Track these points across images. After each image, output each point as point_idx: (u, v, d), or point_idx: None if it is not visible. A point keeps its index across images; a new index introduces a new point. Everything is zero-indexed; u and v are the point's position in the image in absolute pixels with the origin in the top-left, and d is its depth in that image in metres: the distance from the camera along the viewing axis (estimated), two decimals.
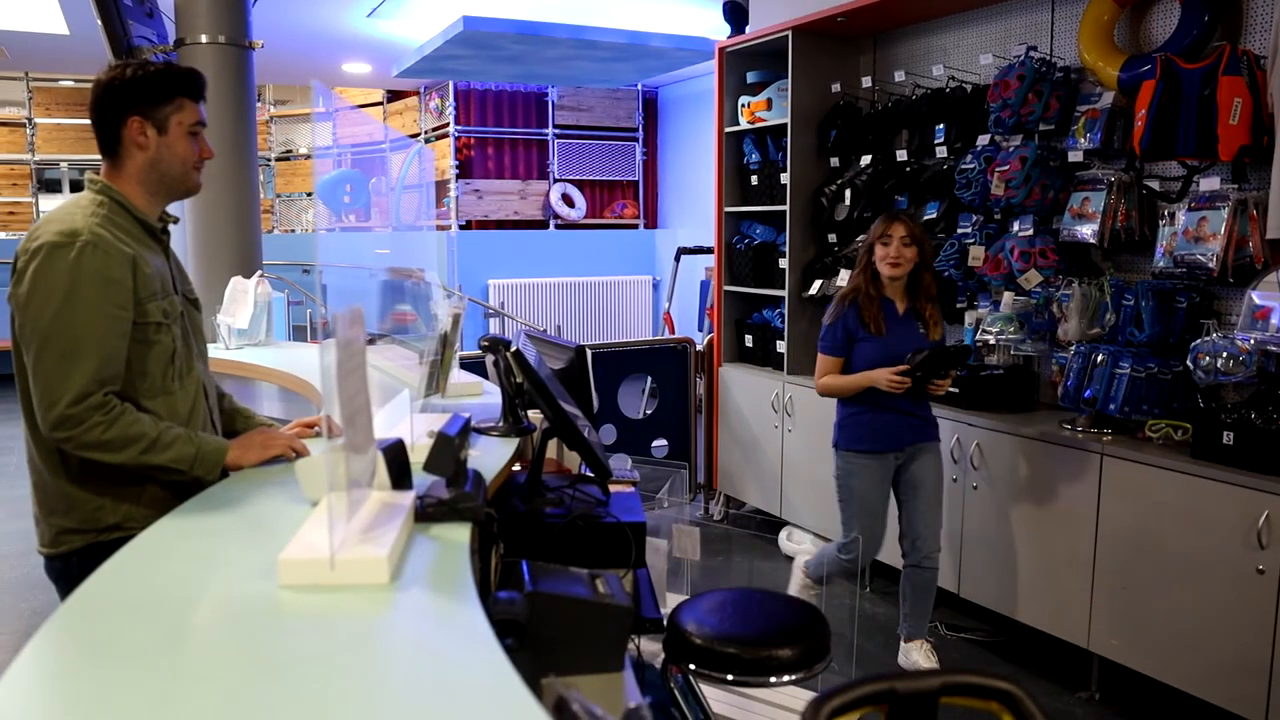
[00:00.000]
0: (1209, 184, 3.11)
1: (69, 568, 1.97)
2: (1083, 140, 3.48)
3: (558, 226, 10.17)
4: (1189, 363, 3.02)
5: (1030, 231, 3.63)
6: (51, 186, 10.74)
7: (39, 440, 1.93)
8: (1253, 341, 2.91)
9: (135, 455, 1.85)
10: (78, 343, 1.80)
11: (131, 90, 1.93)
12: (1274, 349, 2.90)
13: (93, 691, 1.10)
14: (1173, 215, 3.20)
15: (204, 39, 4.74)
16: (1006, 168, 3.61)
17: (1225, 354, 2.92)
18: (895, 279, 3.23)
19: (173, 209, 2.14)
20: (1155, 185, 3.35)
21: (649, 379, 5.68)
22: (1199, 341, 3.01)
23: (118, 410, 1.84)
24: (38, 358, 1.82)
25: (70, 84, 10.49)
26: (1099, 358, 3.29)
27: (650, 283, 10.25)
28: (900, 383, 3.13)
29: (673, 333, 7.75)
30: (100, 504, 1.94)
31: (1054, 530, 3.35)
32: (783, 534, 4.76)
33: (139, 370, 1.92)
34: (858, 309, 3.27)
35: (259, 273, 4.26)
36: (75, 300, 1.81)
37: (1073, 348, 3.42)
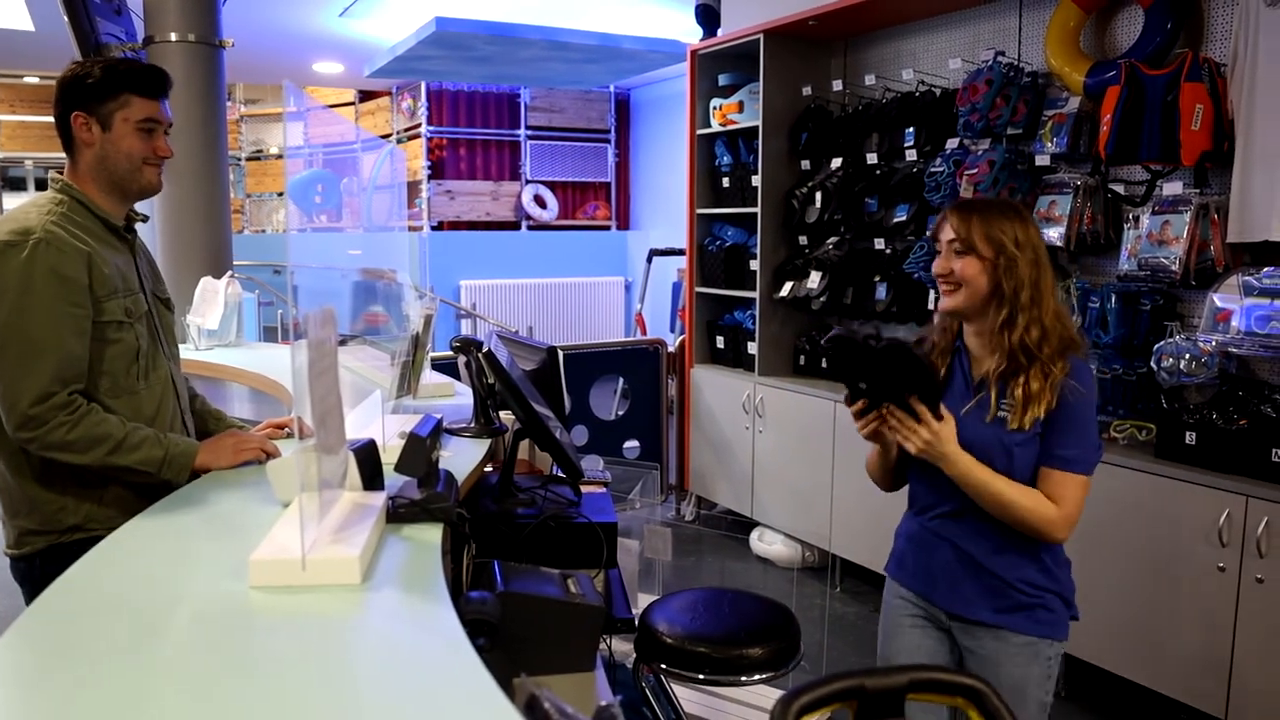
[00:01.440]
0: (1172, 188, 3.17)
1: (32, 569, 1.96)
2: (1050, 144, 3.53)
3: (530, 228, 10.15)
4: (1153, 364, 3.07)
5: None
6: (16, 184, 10.59)
7: (2, 444, 1.91)
8: (1214, 343, 2.96)
9: (101, 456, 1.83)
10: (35, 342, 1.79)
11: (75, 87, 1.93)
12: (1235, 351, 2.96)
13: (62, 693, 1.09)
14: (1137, 219, 3.25)
15: (173, 37, 4.69)
16: (975, 171, 3.65)
17: (1188, 355, 2.97)
18: (955, 314, 1.95)
19: (142, 208, 2.13)
20: (1120, 189, 3.40)
21: (621, 380, 5.69)
22: (1162, 343, 3.06)
23: (83, 410, 1.83)
24: None
25: (35, 81, 10.35)
26: None
27: (622, 284, 10.26)
28: (864, 424, 1.87)
29: (644, 334, 7.76)
30: (62, 505, 1.93)
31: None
32: (754, 534, 4.78)
33: (99, 369, 1.91)
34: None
35: (229, 273, 4.23)
36: (29, 299, 1.80)
37: None
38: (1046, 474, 1.85)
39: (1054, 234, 3.48)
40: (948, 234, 1.91)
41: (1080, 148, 3.47)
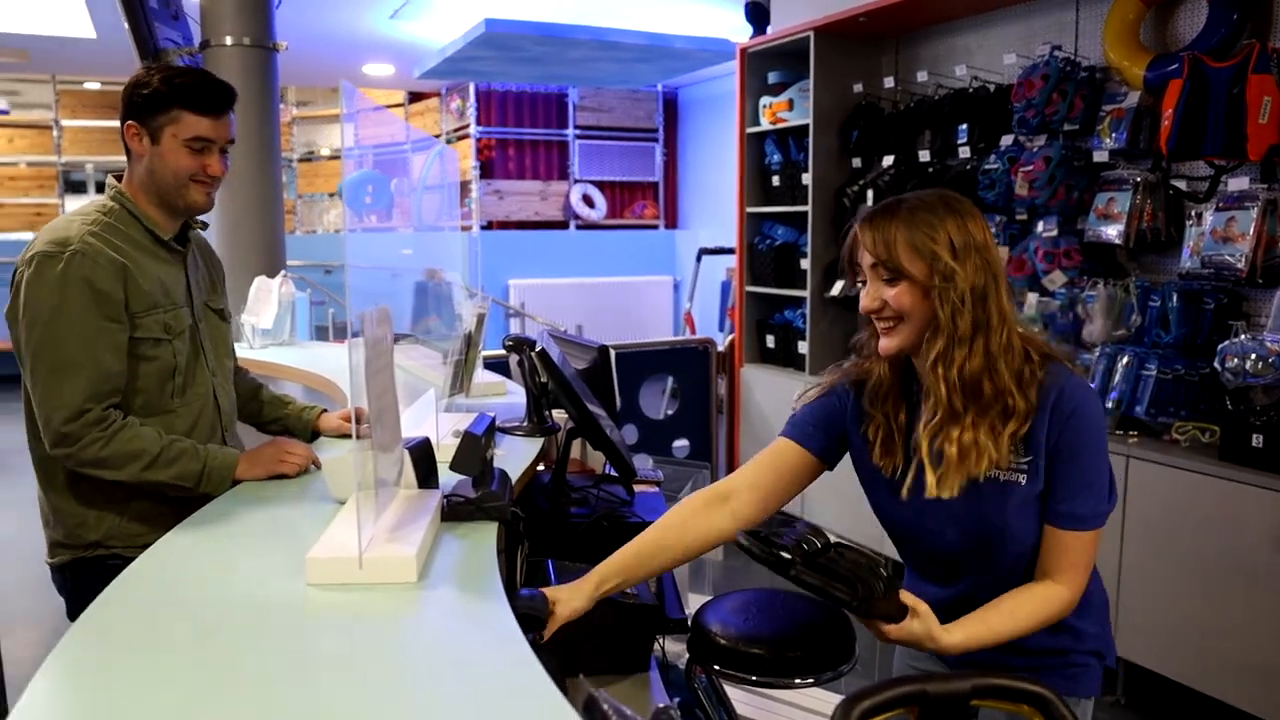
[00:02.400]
0: (1237, 184, 3.08)
1: (65, 580, 1.96)
2: (1108, 140, 3.46)
3: (578, 227, 10.19)
4: (1216, 364, 2.99)
5: (1054, 232, 3.61)
6: (77, 188, 10.86)
7: (34, 450, 1.91)
8: None
9: (137, 472, 1.80)
10: (69, 357, 1.76)
11: (131, 96, 1.89)
12: None
13: (125, 688, 1.11)
14: (1200, 216, 3.17)
15: (229, 41, 4.77)
16: (1030, 168, 3.59)
17: (1254, 355, 2.88)
18: (900, 354, 1.51)
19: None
20: (1182, 185, 3.32)
21: (670, 379, 5.68)
22: (1227, 343, 2.98)
23: (117, 425, 1.79)
24: (33, 373, 1.79)
25: (96, 87, 10.59)
26: (1124, 359, 3.26)
27: (671, 283, 10.26)
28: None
29: (694, 333, 7.75)
30: (82, 519, 1.91)
31: None
32: None
33: (133, 387, 1.88)
34: (856, 403, 1.62)
35: (283, 273, 4.29)
36: (64, 313, 1.77)
37: (1098, 349, 3.40)
38: (1053, 535, 1.47)
39: (1113, 231, 3.41)
40: (864, 257, 1.48)
41: (1140, 143, 3.40)
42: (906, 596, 1.39)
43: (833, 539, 1.35)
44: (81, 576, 1.89)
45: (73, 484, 1.89)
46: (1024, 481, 1.46)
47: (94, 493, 1.88)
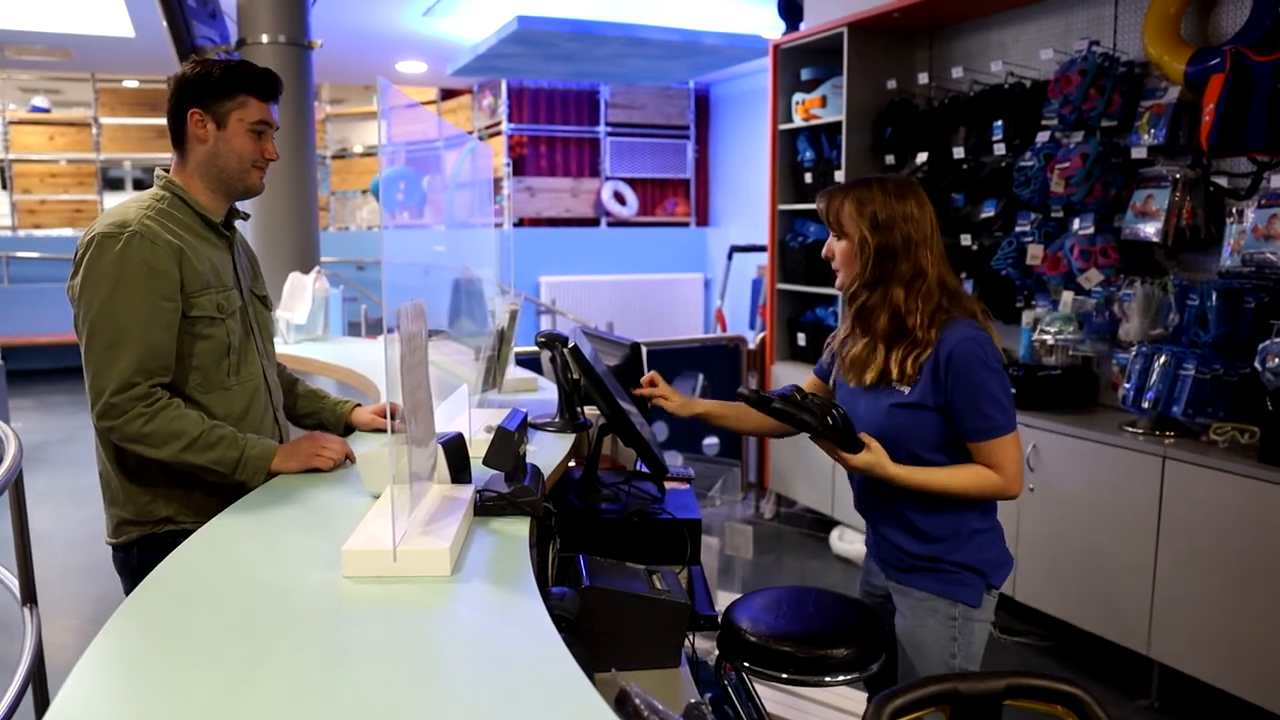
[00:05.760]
0: None
1: (130, 559, 2.00)
2: (1147, 136, 3.41)
3: (609, 224, 10.20)
4: (1257, 364, 2.94)
5: (1091, 230, 3.57)
6: (115, 185, 11.01)
7: (101, 432, 1.95)
8: None
9: (176, 452, 1.84)
10: (122, 332, 1.82)
11: (196, 85, 1.96)
12: None
13: (164, 676, 1.13)
14: (1241, 213, 3.12)
15: (265, 39, 4.82)
16: (1067, 165, 3.55)
17: None
18: (841, 289, 2.07)
19: (241, 205, 2.16)
20: (1223, 182, 3.27)
21: (701, 376, 5.67)
22: (1268, 342, 2.93)
23: (162, 404, 1.84)
24: (88, 347, 1.85)
25: (135, 85, 10.73)
26: (1161, 359, 3.22)
27: (702, 280, 10.24)
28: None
29: (725, 331, 7.73)
30: (152, 497, 1.96)
31: (1114, 534, 3.29)
32: (834, 533, 4.73)
33: (189, 365, 1.93)
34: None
35: (317, 268, 4.32)
36: (121, 290, 1.83)
37: (1134, 348, 3.36)
38: (977, 448, 1.90)
39: (1150, 229, 3.37)
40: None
41: (1180, 139, 3.35)
42: (864, 437, 1.88)
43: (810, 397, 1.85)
44: (150, 552, 1.93)
45: (140, 464, 1.94)
46: (906, 392, 1.92)
47: (160, 474, 1.94)
